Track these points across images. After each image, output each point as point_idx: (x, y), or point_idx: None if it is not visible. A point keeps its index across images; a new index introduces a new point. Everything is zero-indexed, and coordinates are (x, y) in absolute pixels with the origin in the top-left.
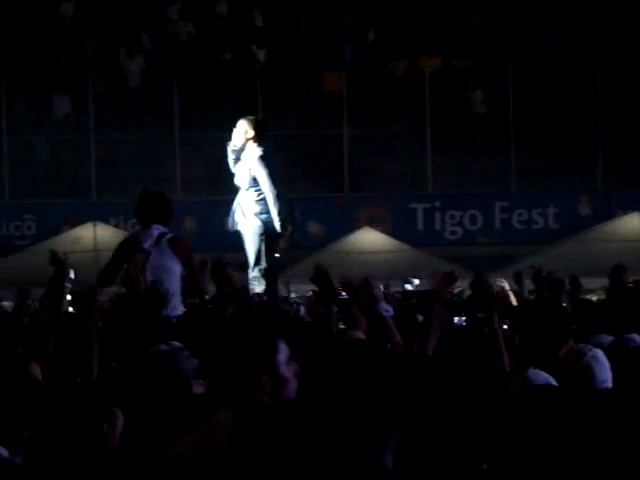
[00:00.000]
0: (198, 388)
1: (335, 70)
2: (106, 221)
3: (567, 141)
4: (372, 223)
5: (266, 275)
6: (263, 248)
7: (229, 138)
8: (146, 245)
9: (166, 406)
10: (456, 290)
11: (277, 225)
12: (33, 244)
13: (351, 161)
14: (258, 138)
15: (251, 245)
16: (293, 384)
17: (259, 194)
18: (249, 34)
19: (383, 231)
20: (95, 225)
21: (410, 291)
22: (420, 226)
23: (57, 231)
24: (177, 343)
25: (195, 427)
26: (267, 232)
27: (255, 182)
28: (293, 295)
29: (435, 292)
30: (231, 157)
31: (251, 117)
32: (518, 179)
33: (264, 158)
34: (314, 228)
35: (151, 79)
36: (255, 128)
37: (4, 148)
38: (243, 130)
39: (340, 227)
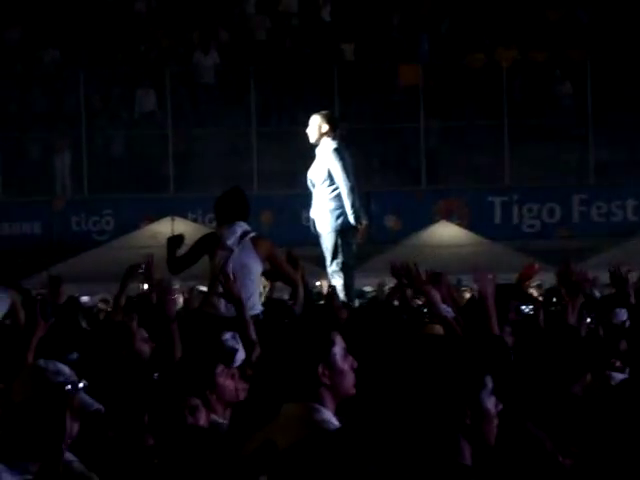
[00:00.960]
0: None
1: (412, 63)
2: (184, 216)
3: None
4: (449, 217)
5: (344, 269)
6: (339, 242)
7: (306, 133)
8: (229, 242)
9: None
10: (535, 283)
11: (351, 218)
12: (111, 239)
13: (428, 154)
14: (332, 132)
15: (328, 240)
16: (350, 377)
17: (333, 189)
18: (324, 28)
19: (460, 225)
20: (173, 220)
21: None
22: (498, 219)
23: (135, 226)
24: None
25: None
26: (343, 227)
27: (330, 177)
28: (369, 289)
29: (513, 285)
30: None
31: (324, 112)
32: (597, 171)
33: (339, 151)
34: (391, 222)
35: (229, 73)
36: (329, 122)
37: (82, 143)
38: (317, 125)
39: (417, 221)
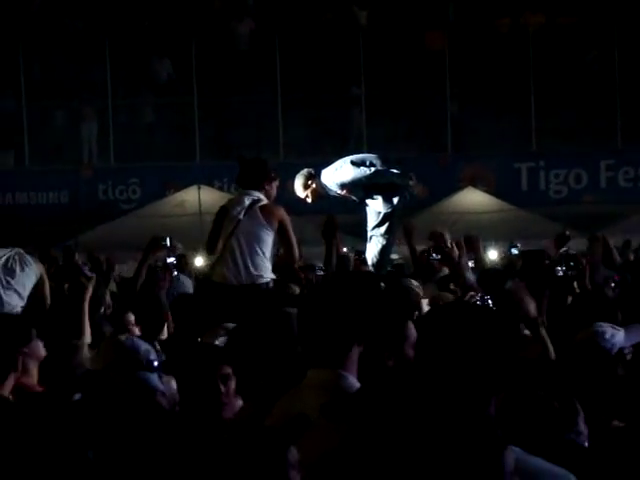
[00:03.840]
0: None
1: (437, 29)
2: (210, 184)
3: None
4: (475, 183)
5: (386, 236)
6: (392, 213)
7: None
8: (235, 212)
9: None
10: (563, 250)
11: (399, 190)
12: (138, 208)
13: (454, 120)
14: (318, 177)
15: (380, 209)
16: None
17: (371, 188)
18: None
19: (487, 191)
20: (199, 188)
21: (517, 255)
22: (524, 186)
23: (162, 194)
24: None
25: (289, 389)
26: (395, 204)
27: (359, 185)
28: (395, 256)
29: (541, 252)
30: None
31: (299, 175)
32: (624, 136)
33: (336, 167)
34: (417, 188)
35: (254, 41)
36: (311, 178)
37: (109, 112)
38: (308, 192)
39: (443, 187)
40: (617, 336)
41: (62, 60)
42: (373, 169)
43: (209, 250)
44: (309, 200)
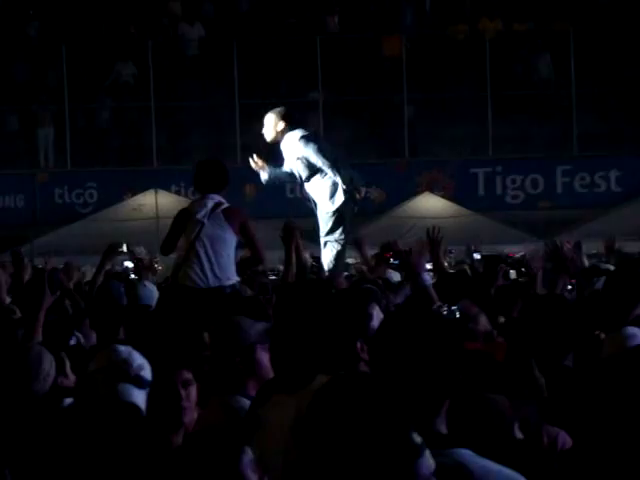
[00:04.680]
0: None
1: (395, 34)
2: (167, 189)
3: (630, 104)
4: (433, 188)
5: (339, 242)
6: (339, 219)
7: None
8: (199, 216)
9: (232, 370)
10: (517, 255)
11: (342, 195)
12: (95, 212)
13: (411, 126)
14: (289, 127)
15: (326, 215)
16: None
17: (323, 176)
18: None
19: (444, 196)
20: (156, 192)
21: (479, 260)
22: (481, 191)
23: (119, 199)
24: None
25: (294, 390)
26: (340, 206)
27: (310, 164)
28: (352, 260)
29: (497, 257)
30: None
31: (278, 109)
32: (580, 142)
33: (307, 137)
34: (375, 193)
35: (212, 46)
36: (284, 119)
37: (66, 116)
38: (272, 125)
39: (401, 192)
40: None
41: (18, 64)
42: (332, 162)
43: (164, 251)
44: (269, 139)
